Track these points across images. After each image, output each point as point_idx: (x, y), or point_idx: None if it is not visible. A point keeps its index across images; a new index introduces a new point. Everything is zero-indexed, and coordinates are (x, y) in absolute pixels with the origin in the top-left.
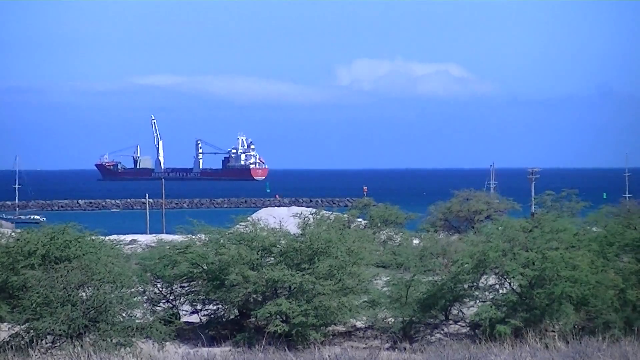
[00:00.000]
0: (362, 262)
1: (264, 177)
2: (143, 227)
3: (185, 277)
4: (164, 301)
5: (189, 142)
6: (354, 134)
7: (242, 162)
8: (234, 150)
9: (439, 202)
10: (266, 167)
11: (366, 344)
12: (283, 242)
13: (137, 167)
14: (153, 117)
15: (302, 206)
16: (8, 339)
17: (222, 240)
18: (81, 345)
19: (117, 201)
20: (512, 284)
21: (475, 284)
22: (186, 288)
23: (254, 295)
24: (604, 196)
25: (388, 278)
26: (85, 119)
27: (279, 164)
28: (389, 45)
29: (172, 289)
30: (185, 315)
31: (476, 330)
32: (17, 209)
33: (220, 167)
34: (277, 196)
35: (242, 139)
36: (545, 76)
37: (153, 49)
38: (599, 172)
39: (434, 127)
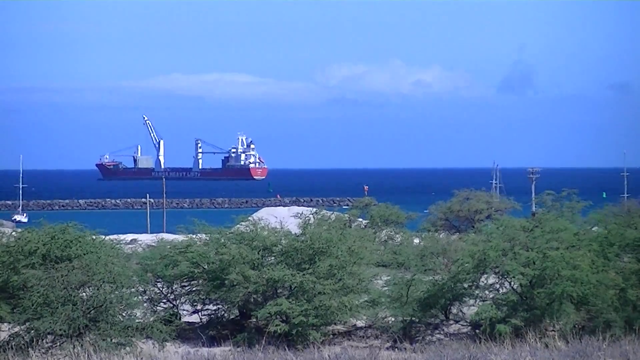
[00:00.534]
0: (362, 262)
1: (263, 177)
2: (144, 226)
3: (185, 276)
4: (164, 301)
5: (189, 142)
6: (354, 133)
7: (242, 162)
8: (233, 150)
9: (440, 201)
10: (266, 166)
11: (366, 343)
12: (284, 241)
13: (137, 166)
14: (146, 118)
15: (302, 206)
16: (8, 339)
17: (222, 240)
18: (81, 345)
19: (118, 201)
20: (512, 283)
21: (475, 283)
22: (186, 288)
23: (255, 295)
24: (604, 196)
25: (388, 277)
26: (86, 119)
27: (279, 164)
28: (389, 45)
29: (172, 288)
30: (185, 315)
31: (476, 330)
32: (20, 208)
33: (220, 167)
34: (277, 196)
35: (242, 139)
36: (545, 76)
37: (153, 49)
38: (599, 171)
39: (434, 127)
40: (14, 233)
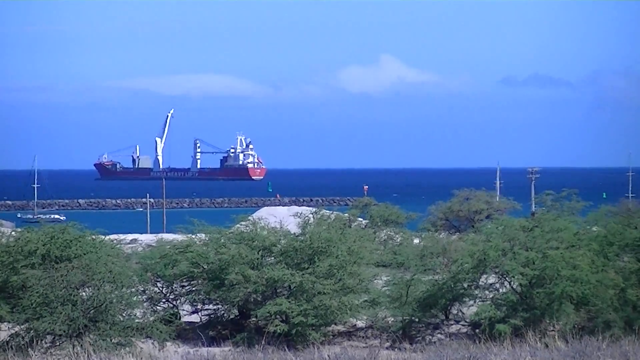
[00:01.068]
0: (362, 262)
1: (262, 177)
2: (143, 226)
3: (185, 276)
4: (164, 301)
5: (188, 142)
6: (354, 133)
7: (241, 162)
8: (232, 150)
9: (439, 201)
10: (264, 166)
11: (366, 343)
12: (283, 241)
13: (136, 166)
14: (171, 112)
15: (302, 205)
16: (8, 339)
17: (222, 240)
18: (81, 345)
19: (118, 201)
20: (512, 283)
21: (475, 283)
22: (186, 287)
23: (254, 295)
24: (604, 196)
25: (388, 277)
26: (84, 119)
27: (278, 164)
28: (388, 45)
29: (172, 288)
30: (185, 315)
31: (476, 330)
32: (35, 207)
33: (218, 167)
34: (277, 196)
35: (241, 139)
36: (546, 75)
37: (152, 49)
38: (602, 171)
39: (434, 127)
40: (13, 233)
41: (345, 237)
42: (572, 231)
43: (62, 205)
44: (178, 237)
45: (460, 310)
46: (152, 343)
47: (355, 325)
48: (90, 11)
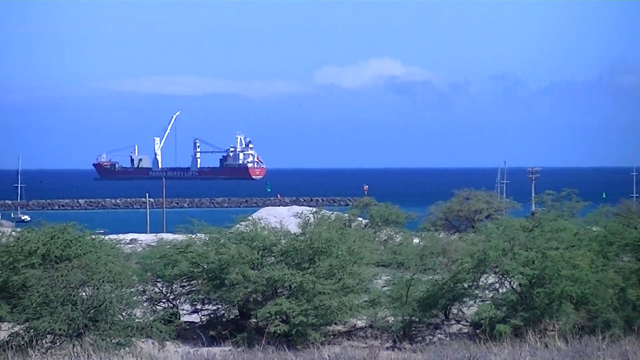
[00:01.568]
0: (362, 262)
1: (262, 176)
2: (143, 226)
3: (185, 276)
4: (164, 301)
5: (187, 142)
6: (355, 133)
7: (240, 161)
8: (232, 149)
9: (439, 201)
10: (264, 166)
11: (366, 343)
12: (283, 241)
13: (135, 166)
14: (177, 114)
15: (302, 205)
16: (8, 339)
17: (222, 240)
18: (81, 345)
19: (118, 200)
20: (512, 283)
21: (475, 283)
22: (186, 287)
23: (254, 295)
24: (604, 195)
25: (388, 277)
26: (83, 119)
27: (277, 163)
28: (388, 45)
29: (172, 288)
30: (185, 314)
31: (476, 330)
32: (18, 208)
33: (218, 166)
34: (277, 195)
35: (241, 138)
36: (545, 76)
37: (152, 49)
38: (602, 171)
39: (434, 127)
40: (13, 233)
41: (345, 237)
42: (572, 231)
43: (62, 205)
44: (178, 237)
45: (461, 310)
46: (152, 343)
47: (355, 325)
48: (90, 11)
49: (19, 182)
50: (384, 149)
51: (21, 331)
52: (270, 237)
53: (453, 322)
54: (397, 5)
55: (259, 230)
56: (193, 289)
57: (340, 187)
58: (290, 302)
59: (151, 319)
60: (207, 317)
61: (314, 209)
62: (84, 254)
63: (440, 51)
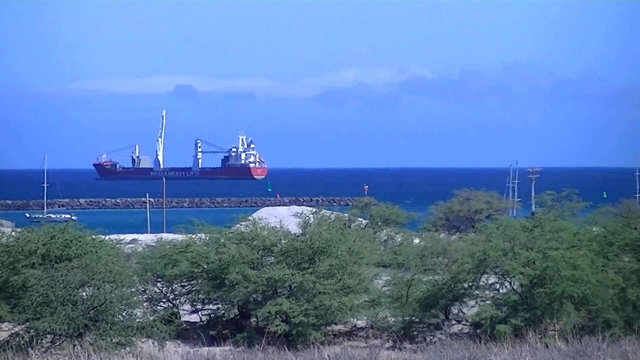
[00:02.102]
0: (362, 262)
1: (263, 176)
2: (144, 226)
3: (185, 276)
4: (164, 300)
5: (189, 142)
6: (355, 133)
7: (242, 161)
8: (234, 149)
9: (440, 201)
10: (266, 166)
11: (367, 343)
12: (283, 241)
13: (136, 166)
14: (164, 113)
15: (302, 205)
16: (8, 339)
17: (222, 240)
18: (81, 345)
19: (118, 200)
20: (512, 283)
21: (475, 283)
22: (186, 287)
23: (254, 295)
24: (604, 195)
25: (389, 277)
26: (84, 119)
27: (278, 163)
28: (389, 45)
29: (172, 288)
30: (185, 314)
31: (477, 330)
32: (45, 207)
33: (220, 166)
34: (277, 195)
35: (242, 138)
36: (547, 74)
37: (154, 49)
38: (602, 171)
39: (433, 127)
40: (13, 233)
41: (345, 237)
42: (572, 231)
43: (62, 205)
44: (178, 237)
45: (461, 311)
46: (152, 343)
47: (355, 325)
48: (90, 11)
49: (45, 181)
50: (384, 149)
51: (21, 331)
52: (270, 237)
53: (453, 322)
54: (395, 7)
55: (259, 230)
56: (193, 288)
57: (340, 187)
58: (290, 302)
59: (151, 319)
60: (207, 317)
61: (314, 209)
62: (84, 254)
63: (441, 52)
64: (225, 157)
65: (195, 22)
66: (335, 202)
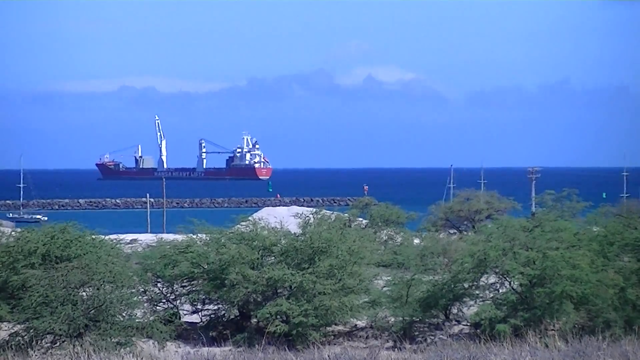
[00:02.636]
0: (362, 262)
1: (268, 177)
2: (144, 226)
3: (185, 276)
4: (164, 301)
5: (193, 142)
6: (355, 132)
7: (247, 162)
8: (238, 150)
9: (440, 201)
10: (270, 166)
11: (367, 343)
12: (284, 241)
13: (140, 166)
14: (157, 118)
15: (302, 205)
16: (8, 339)
17: (222, 240)
18: (81, 345)
19: (118, 200)
20: (512, 283)
21: (475, 283)
22: (187, 288)
23: (254, 295)
24: (604, 195)
25: (389, 278)
26: (86, 119)
27: (277, 163)
28: (390, 46)
29: (172, 288)
30: (185, 315)
31: (477, 330)
32: (20, 207)
33: (224, 167)
34: (277, 196)
35: (247, 139)
36: (547, 75)
37: (157, 49)
38: (602, 171)
39: (434, 127)
40: (13, 233)
41: (345, 237)
42: (572, 231)
43: (62, 205)
44: (178, 237)
45: (461, 310)
46: (153, 343)
47: (355, 325)
48: (92, 11)
49: (21, 182)
50: (383, 149)
51: (21, 331)
52: (270, 237)
53: (454, 322)
54: (392, 10)
55: (259, 230)
56: (193, 289)
57: (340, 187)
58: (290, 302)
59: (151, 319)
60: (208, 318)
61: (314, 209)
62: (84, 254)
63: (439, 53)
64: (230, 157)
65: (199, 21)
66: (335, 202)
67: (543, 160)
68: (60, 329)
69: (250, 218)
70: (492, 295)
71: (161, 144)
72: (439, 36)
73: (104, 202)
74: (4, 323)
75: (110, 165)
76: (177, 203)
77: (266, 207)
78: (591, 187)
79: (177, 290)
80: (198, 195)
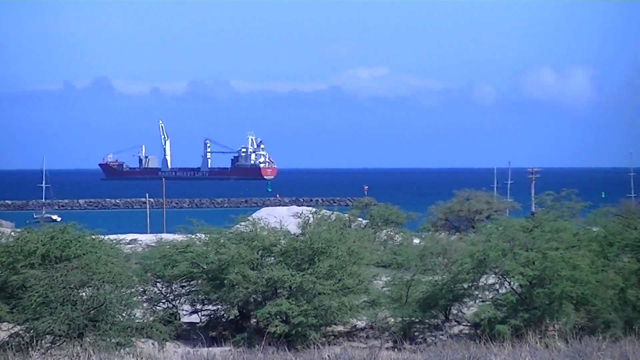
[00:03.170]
0: (362, 262)
1: (273, 177)
2: (143, 226)
3: (185, 276)
4: (163, 301)
5: (198, 142)
6: (355, 133)
7: (252, 162)
8: (243, 150)
9: (440, 201)
10: (275, 166)
11: (366, 344)
12: (283, 241)
13: (144, 166)
14: (161, 122)
15: (302, 205)
16: (8, 339)
17: (222, 240)
18: (81, 345)
19: (118, 200)
20: (512, 283)
21: (475, 283)
22: (186, 288)
23: (254, 296)
24: (602, 195)
25: (388, 278)
26: (89, 119)
27: (280, 164)
28: (390, 48)
29: (172, 288)
30: (185, 315)
31: (477, 330)
32: (43, 208)
33: (229, 167)
34: (277, 196)
35: (252, 139)
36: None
37: (161, 49)
38: (602, 171)
39: (435, 127)
40: (13, 233)
41: (345, 238)
42: (572, 232)
43: (62, 205)
44: (178, 237)
45: (461, 311)
46: (152, 343)
47: (355, 325)
48: (94, 11)
49: (43, 182)
50: (383, 149)
51: (21, 331)
52: (270, 237)
53: (453, 322)
54: (390, 12)
55: (258, 230)
56: (193, 289)
57: (340, 187)
58: (290, 302)
59: (151, 319)
60: (207, 318)
61: (314, 209)
62: (83, 254)
63: (440, 54)
64: (234, 157)
65: (202, 22)
66: (335, 202)
67: (543, 160)
68: (60, 329)
69: (249, 218)
70: (491, 295)
71: (165, 145)
72: (439, 36)
73: (103, 202)
74: (4, 323)
75: (113, 165)
76: (176, 203)
77: (265, 207)
78: (591, 187)
79: (176, 291)
80: (203, 195)
